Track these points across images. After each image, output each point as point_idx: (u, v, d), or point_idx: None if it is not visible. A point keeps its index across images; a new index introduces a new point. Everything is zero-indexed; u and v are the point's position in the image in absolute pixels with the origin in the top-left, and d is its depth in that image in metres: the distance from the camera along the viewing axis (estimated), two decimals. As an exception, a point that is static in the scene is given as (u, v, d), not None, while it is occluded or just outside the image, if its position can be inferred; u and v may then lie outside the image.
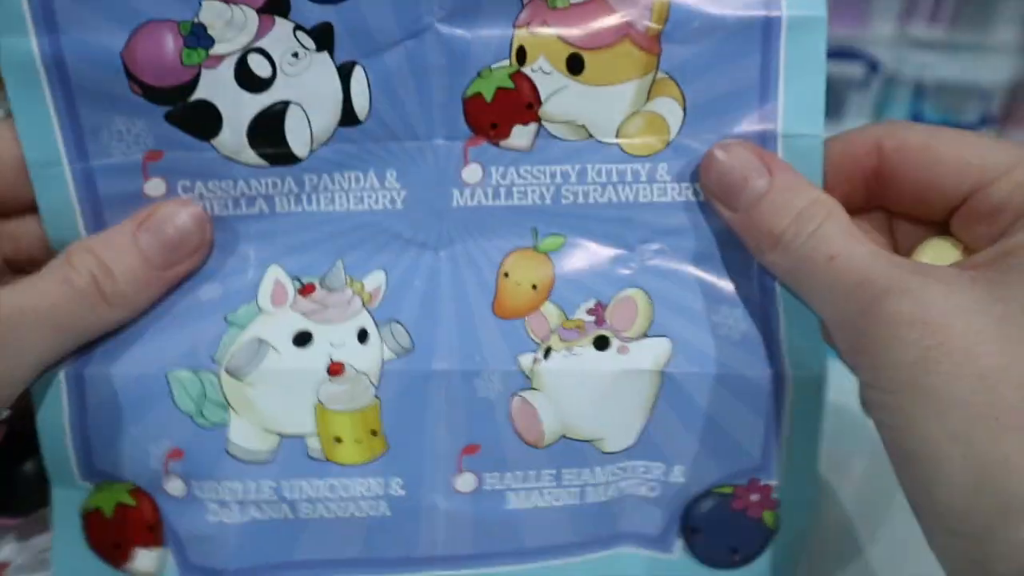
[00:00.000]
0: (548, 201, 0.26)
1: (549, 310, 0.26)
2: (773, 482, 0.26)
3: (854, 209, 0.24)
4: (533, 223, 0.26)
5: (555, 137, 0.25)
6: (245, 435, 0.25)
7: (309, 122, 0.24)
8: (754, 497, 0.26)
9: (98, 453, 0.25)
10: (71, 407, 0.24)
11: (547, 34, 0.24)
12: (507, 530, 0.26)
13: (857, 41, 0.62)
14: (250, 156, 0.24)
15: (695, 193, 0.26)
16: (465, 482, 0.26)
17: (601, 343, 0.25)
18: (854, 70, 0.64)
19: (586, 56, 0.25)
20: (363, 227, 0.25)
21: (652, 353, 0.25)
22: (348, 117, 0.24)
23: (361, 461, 0.25)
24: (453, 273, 0.25)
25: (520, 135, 0.25)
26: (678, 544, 0.27)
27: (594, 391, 0.25)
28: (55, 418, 0.25)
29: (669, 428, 0.26)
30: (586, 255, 0.26)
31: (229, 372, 0.25)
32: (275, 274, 0.25)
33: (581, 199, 0.26)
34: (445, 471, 0.26)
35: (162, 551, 0.25)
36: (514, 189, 0.26)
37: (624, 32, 0.25)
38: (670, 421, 0.26)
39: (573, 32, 0.24)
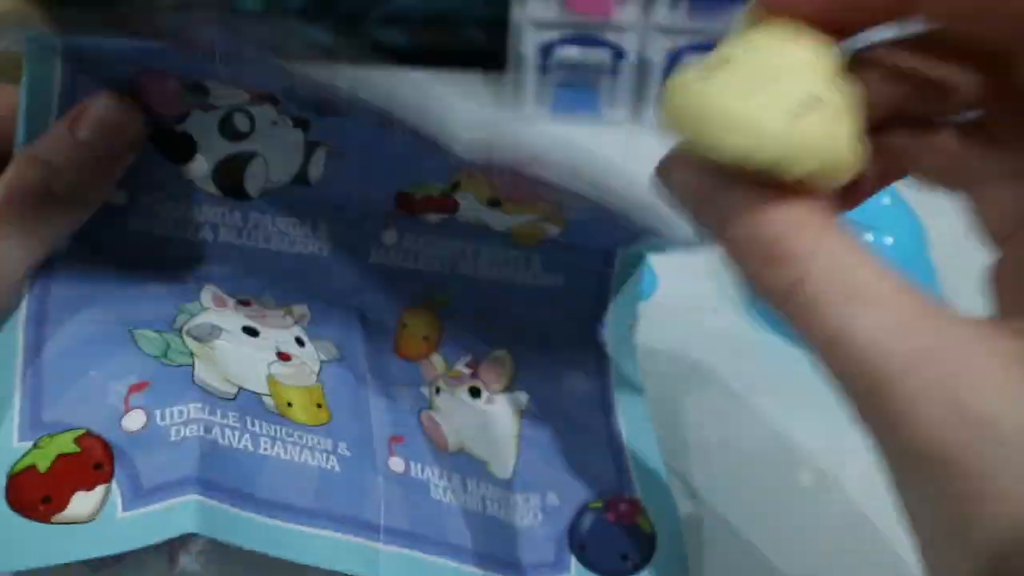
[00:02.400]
0: (447, 269, 0.32)
1: (436, 360, 0.32)
2: (636, 494, 0.30)
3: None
4: (430, 284, 0.32)
5: (460, 223, 0.31)
6: (209, 376, 0.26)
7: (268, 172, 0.29)
8: (623, 507, 0.30)
9: (49, 401, 0.24)
10: (25, 359, 0.24)
11: (479, 179, 0.30)
12: (434, 520, 0.27)
13: (857, 40, 0.62)
14: (209, 185, 0.29)
15: (558, 284, 0.33)
16: (397, 464, 0.28)
17: (475, 392, 0.31)
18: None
19: (504, 202, 0.30)
20: (292, 268, 0.30)
21: (513, 405, 0.31)
22: (301, 178, 0.29)
23: (311, 423, 0.27)
24: (361, 316, 0.31)
25: (433, 217, 0.31)
26: (572, 561, 0.29)
27: (474, 424, 0.31)
28: (5, 374, 0.24)
29: (535, 463, 0.30)
30: (467, 318, 0.32)
31: (190, 335, 0.27)
32: (212, 289, 0.29)
33: (471, 272, 0.32)
34: (380, 451, 0.28)
35: (105, 487, 0.23)
36: (421, 255, 0.32)
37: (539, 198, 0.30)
38: (534, 458, 0.31)
39: (501, 188, 0.30)
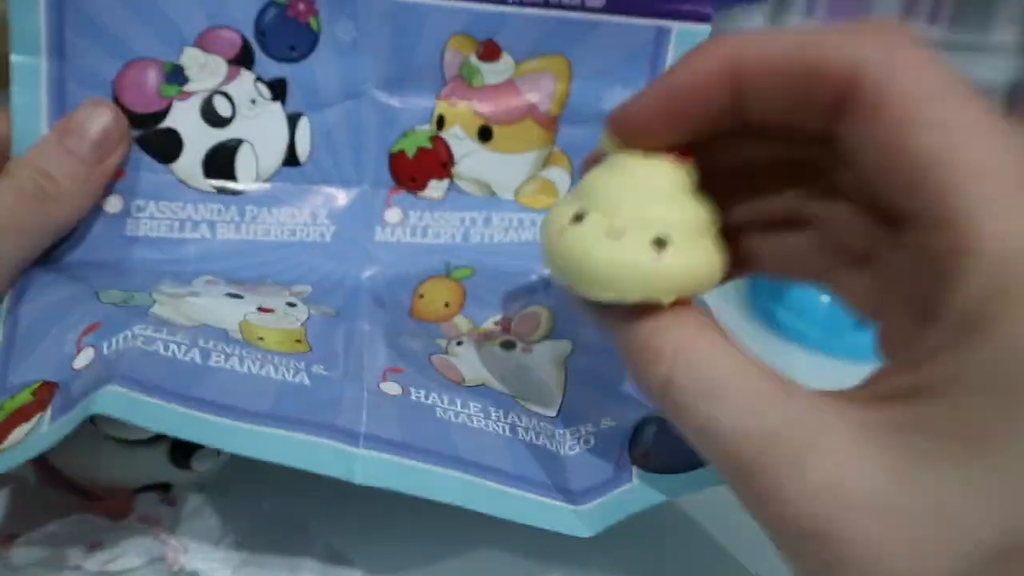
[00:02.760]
0: (459, 240, 0.30)
1: (460, 321, 0.29)
2: None
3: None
4: (446, 258, 0.30)
5: (463, 192, 0.30)
6: (168, 314, 0.25)
7: (257, 159, 0.29)
8: None
9: (14, 366, 0.23)
10: (3, 348, 0.24)
11: (463, 107, 0.30)
12: (438, 433, 0.24)
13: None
14: (202, 183, 0.28)
15: None
16: (390, 388, 0.25)
17: (508, 345, 0.28)
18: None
19: (494, 128, 0.30)
20: (293, 256, 0.29)
21: (555, 351, 0.28)
22: (291, 158, 0.29)
23: (286, 351, 0.25)
24: (372, 290, 0.29)
25: (435, 188, 0.30)
26: (633, 472, 0.24)
27: (506, 371, 0.27)
28: None
29: (586, 398, 0.27)
30: (493, 282, 0.30)
31: (160, 291, 0.26)
32: (206, 278, 0.28)
33: (487, 239, 0.30)
34: (369, 378, 0.25)
35: (40, 414, 0.22)
36: (429, 229, 0.30)
37: (529, 111, 0.30)
38: (585, 393, 0.27)
39: (485, 108, 0.30)
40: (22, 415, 0.22)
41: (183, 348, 0.23)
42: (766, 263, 0.22)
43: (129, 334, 0.23)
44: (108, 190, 0.27)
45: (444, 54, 0.29)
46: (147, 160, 0.28)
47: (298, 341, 0.26)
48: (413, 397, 0.25)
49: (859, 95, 0.17)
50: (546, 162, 0.31)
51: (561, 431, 0.26)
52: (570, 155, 0.31)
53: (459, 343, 0.28)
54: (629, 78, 0.30)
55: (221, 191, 0.29)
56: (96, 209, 0.28)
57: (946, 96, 0.16)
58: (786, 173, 0.21)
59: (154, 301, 0.25)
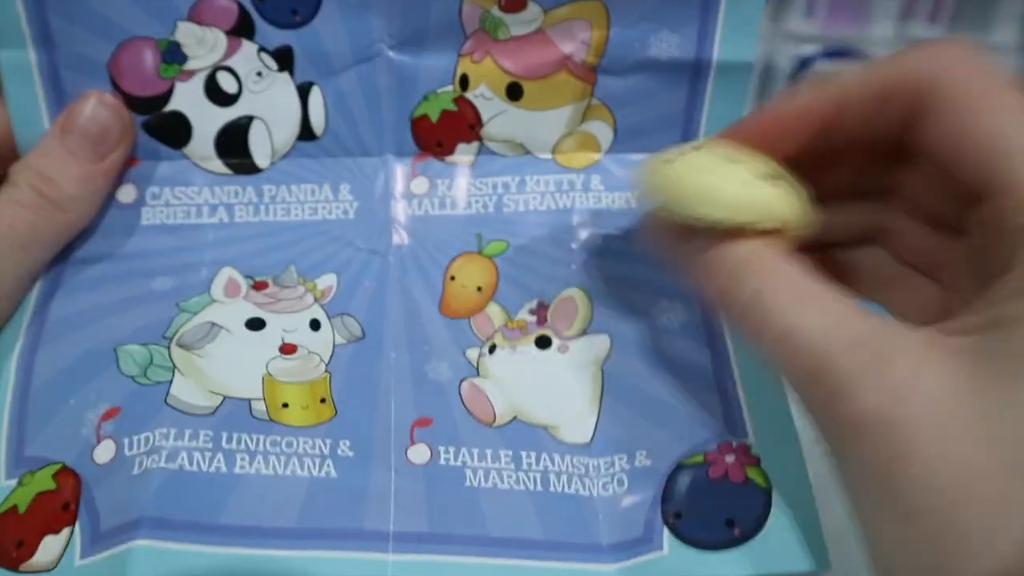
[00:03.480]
0: (491, 210, 0.28)
1: (493, 310, 0.27)
2: (748, 439, 0.24)
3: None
4: (477, 230, 0.28)
5: (495, 154, 0.28)
6: (188, 391, 0.24)
7: (271, 136, 0.27)
8: (730, 459, 0.24)
9: (31, 436, 0.24)
10: (14, 396, 0.24)
11: (488, 64, 0.27)
12: (468, 510, 0.23)
13: (857, 42, 0.62)
14: (217, 165, 0.27)
15: (626, 201, 0.28)
16: (418, 453, 0.24)
17: (543, 342, 0.27)
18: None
19: (524, 85, 0.27)
20: (316, 235, 0.27)
21: (592, 350, 0.26)
22: (306, 132, 0.27)
23: (308, 425, 0.24)
24: (402, 275, 0.27)
25: (464, 152, 0.28)
26: (665, 535, 0.23)
27: (539, 384, 0.26)
28: None
29: (621, 419, 0.25)
30: (528, 258, 0.28)
31: (180, 345, 0.25)
32: (228, 273, 0.27)
33: (522, 207, 0.28)
34: (397, 441, 0.24)
35: (69, 529, 0.22)
36: (459, 199, 0.28)
37: (562, 64, 0.27)
38: (620, 412, 0.25)
39: (513, 63, 0.27)
40: (48, 513, 0.22)
41: (207, 456, 0.23)
42: (837, 277, 0.23)
43: (151, 438, 0.23)
44: (121, 179, 0.26)
45: (463, 6, 0.26)
46: (157, 146, 0.26)
47: (323, 401, 0.25)
48: (442, 460, 0.24)
49: (938, 94, 0.20)
50: (585, 115, 0.28)
51: (595, 463, 0.24)
52: (611, 107, 0.27)
53: (492, 349, 0.26)
54: (678, 21, 0.26)
55: (237, 171, 0.27)
56: (110, 200, 0.26)
57: (1007, 91, 0.19)
58: (857, 193, 0.24)
59: (174, 366, 0.25)
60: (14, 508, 0.23)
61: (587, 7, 0.26)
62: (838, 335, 0.19)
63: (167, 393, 0.24)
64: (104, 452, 0.23)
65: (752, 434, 0.24)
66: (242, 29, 0.26)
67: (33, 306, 0.25)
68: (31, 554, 0.22)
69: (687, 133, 0.27)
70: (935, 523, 0.17)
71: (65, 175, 0.25)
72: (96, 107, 0.25)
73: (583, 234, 0.28)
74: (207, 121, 0.26)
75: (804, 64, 0.64)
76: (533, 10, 0.26)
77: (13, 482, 0.23)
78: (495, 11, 0.26)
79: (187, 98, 0.26)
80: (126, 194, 0.27)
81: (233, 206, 0.27)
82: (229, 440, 0.24)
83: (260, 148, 0.27)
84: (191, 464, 0.23)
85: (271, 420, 0.24)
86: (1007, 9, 0.63)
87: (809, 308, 0.19)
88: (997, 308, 0.18)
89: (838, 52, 0.66)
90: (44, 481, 0.23)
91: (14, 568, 0.22)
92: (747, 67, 0.26)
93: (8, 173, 0.25)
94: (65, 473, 0.23)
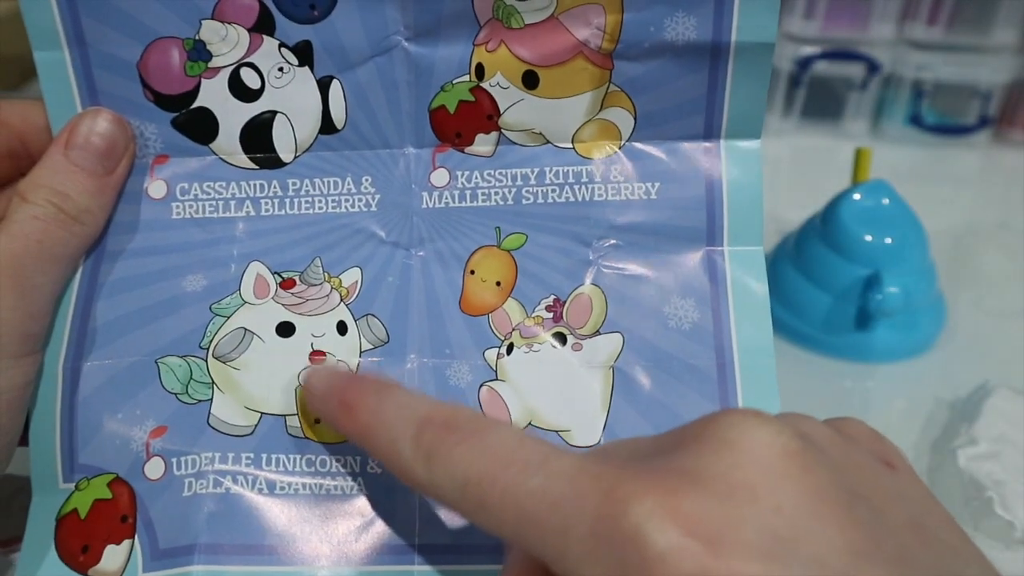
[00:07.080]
0: (510, 202, 0.28)
1: (511, 307, 0.28)
2: None
3: None
4: (496, 223, 0.28)
5: (515, 143, 0.28)
6: (228, 411, 0.26)
7: (294, 130, 0.27)
8: None
9: (83, 445, 0.25)
10: (63, 403, 0.26)
11: (503, 53, 0.27)
12: None
13: (857, 43, 0.63)
14: (242, 159, 0.27)
15: (646, 192, 0.28)
16: None
17: (560, 338, 0.27)
18: (854, 71, 0.65)
19: (540, 72, 0.27)
20: (340, 228, 0.28)
21: (604, 350, 0.27)
22: (327, 126, 0.27)
23: (339, 441, 0.26)
24: (424, 270, 0.28)
25: (483, 142, 0.28)
26: None
27: (553, 385, 0.27)
28: (47, 416, 0.26)
29: (628, 421, 0.26)
30: (546, 252, 0.28)
31: (216, 357, 0.27)
32: (257, 269, 0.27)
33: (540, 199, 0.28)
34: None
35: (130, 542, 0.24)
36: (478, 191, 0.28)
37: (578, 50, 0.27)
38: (628, 414, 0.26)
39: (527, 51, 0.27)
40: (108, 522, 0.25)
41: (249, 480, 0.25)
42: None
43: (198, 461, 0.25)
44: (152, 175, 0.27)
45: None
46: (186, 142, 0.27)
47: None
48: None
49: None
50: (604, 103, 0.28)
51: None
52: (630, 93, 0.28)
53: (510, 349, 0.27)
54: (693, 2, 0.26)
55: (263, 165, 0.28)
56: (141, 196, 0.27)
57: None
58: None
59: (212, 381, 0.26)
60: (75, 512, 0.25)
61: None
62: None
63: (208, 413, 0.26)
64: (154, 469, 0.25)
65: None
66: (263, 25, 0.26)
67: (73, 308, 0.26)
68: (96, 560, 0.24)
69: (710, 119, 0.27)
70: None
71: (79, 190, 0.25)
72: (102, 122, 0.26)
73: (601, 227, 0.28)
74: (232, 117, 0.27)
75: (804, 65, 0.64)
76: None
77: (71, 486, 0.25)
78: None
79: (213, 95, 0.27)
80: (157, 190, 0.27)
81: (259, 200, 0.28)
82: (268, 463, 0.26)
83: (284, 142, 0.28)
84: (236, 484, 0.25)
85: (305, 437, 0.26)
86: (1007, 9, 0.64)
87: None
88: None
89: (838, 53, 0.66)
90: (100, 489, 0.25)
91: (82, 571, 0.24)
92: (768, 48, 0.26)
93: (19, 192, 0.25)
94: (119, 484, 0.25)
